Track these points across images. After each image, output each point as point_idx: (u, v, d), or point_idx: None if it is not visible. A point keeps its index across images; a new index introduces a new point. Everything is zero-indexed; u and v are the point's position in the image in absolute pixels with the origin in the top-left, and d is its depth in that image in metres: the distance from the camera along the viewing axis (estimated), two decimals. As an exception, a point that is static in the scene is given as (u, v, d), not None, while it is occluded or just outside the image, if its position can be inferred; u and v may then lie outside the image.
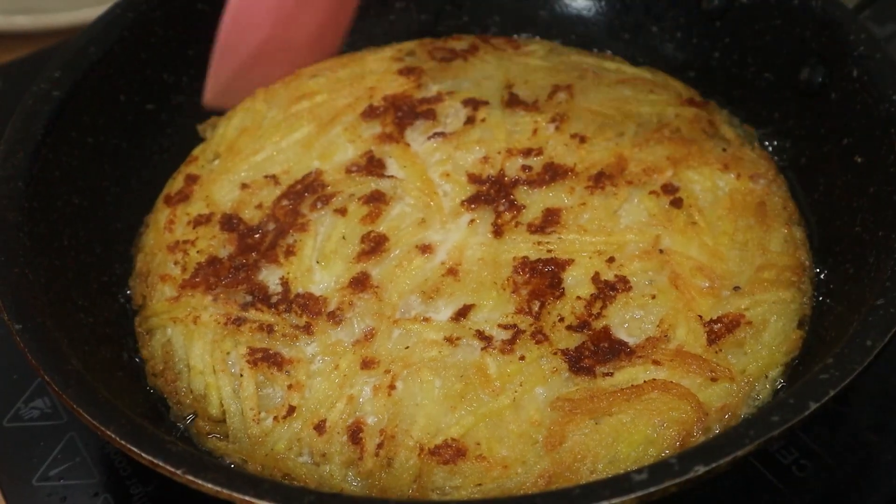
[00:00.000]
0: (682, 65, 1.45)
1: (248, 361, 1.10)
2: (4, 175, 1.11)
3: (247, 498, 0.83)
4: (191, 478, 0.85)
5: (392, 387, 1.06)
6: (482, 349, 1.08)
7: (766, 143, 1.35)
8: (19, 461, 1.14)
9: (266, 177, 1.29)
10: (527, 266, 1.16)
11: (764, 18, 1.34)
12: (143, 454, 0.87)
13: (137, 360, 1.17)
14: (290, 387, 1.08)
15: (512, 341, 1.09)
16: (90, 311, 1.14)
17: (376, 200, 1.24)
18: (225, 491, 0.84)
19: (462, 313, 1.12)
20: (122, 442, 0.89)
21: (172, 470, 0.86)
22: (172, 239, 1.25)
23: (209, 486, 0.84)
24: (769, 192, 1.26)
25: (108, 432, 0.90)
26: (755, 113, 1.37)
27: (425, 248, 1.18)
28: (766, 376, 1.08)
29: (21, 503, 1.11)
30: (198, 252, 1.22)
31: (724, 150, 1.30)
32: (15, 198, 1.10)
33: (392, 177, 1.27)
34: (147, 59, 1.36)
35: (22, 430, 1.17)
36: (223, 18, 1.26)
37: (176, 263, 1.22)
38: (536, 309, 1.12)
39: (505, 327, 1.10)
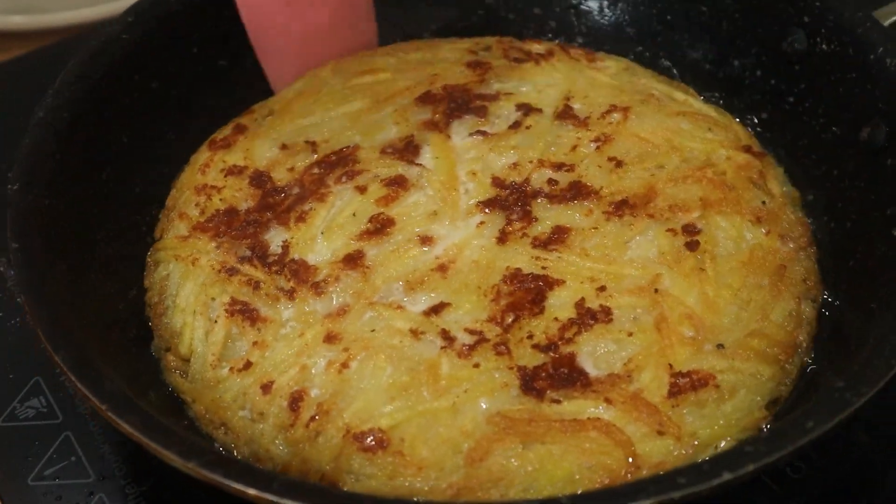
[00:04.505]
0: (757, 104, 1.39)
1: (226, 311, 1.14)
2: (53, 104, 1.17)
3: (153, 444, 0.87)
4: (112, 415, 0.89)
5: (345, 365, 1.07)
6: (441, 348, 1.08)
7: (816, 206, 1.28)
8: (15, 460, 1.15)
9: (307, 142, 1.32)
10: (516, 278, 1.14)
11: (841, 69, 1.26)
12: (84, 390, 0.91)
13: (143, 296, 1.21)
14: (255, 344, 1.11)
15: (473, 347, 1.08)
16: (109, 243, 1.19)
17: (397, 185, 1.25)
18: (136, 434, 0.88)
19: (436, 310, 1.12)
20: (73, 379, 0.92)
21: (111, 415, 0.90)
22: (202, 181, 1.30)
23: (126, 427, 0.89)
24: (794, 258, 1.18)
25: (64, 367, 0.93)
26: (816, 166, 1.29)
27: (426, 240, 1.19)
28: (716, 447, 1.02)
29: (16, 502, 1.12)
30: (220, 199, 1.27)
31: (764, 203, 1.23)
32: (55, 127, 1.15)
33: (421, 165, 1.27)
34: (229, 16, 1.38)
35: (17, 430, 1.18)
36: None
37: (197, 205, 1.27)
38: (509, 321, 1.10)
39: (471, 332, 1.09)
